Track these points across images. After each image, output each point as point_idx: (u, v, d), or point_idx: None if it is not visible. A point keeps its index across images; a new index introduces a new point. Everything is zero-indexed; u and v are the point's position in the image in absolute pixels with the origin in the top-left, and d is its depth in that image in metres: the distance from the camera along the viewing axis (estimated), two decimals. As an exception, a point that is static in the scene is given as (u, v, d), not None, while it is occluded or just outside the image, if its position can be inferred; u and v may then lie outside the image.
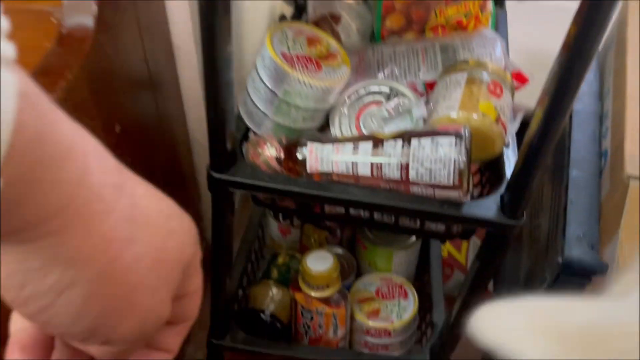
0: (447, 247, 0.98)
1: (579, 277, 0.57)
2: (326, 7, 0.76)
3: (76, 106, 0.48)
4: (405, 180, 0.55)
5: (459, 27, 0.74)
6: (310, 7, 0.76)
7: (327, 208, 0.62)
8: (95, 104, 0.52)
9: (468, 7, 0.73)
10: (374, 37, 0.77)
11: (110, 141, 0.57)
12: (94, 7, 0.51)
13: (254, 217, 0.95)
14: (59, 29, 0.51)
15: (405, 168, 0.55)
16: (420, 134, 0.55)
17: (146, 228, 0.23)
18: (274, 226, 0.94)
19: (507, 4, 0.83)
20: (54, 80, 0.46)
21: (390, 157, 0.55)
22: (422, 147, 0.54)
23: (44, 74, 0.46)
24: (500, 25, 0.79)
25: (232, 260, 0.70)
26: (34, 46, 0.49)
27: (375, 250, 0.84)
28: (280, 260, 0.89)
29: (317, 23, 0.76)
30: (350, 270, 0.85)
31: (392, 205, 0.56)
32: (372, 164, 0.56)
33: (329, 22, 0.76)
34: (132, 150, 0.64)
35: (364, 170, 0.56)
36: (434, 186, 0.55)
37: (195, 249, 0.26)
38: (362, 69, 0.71)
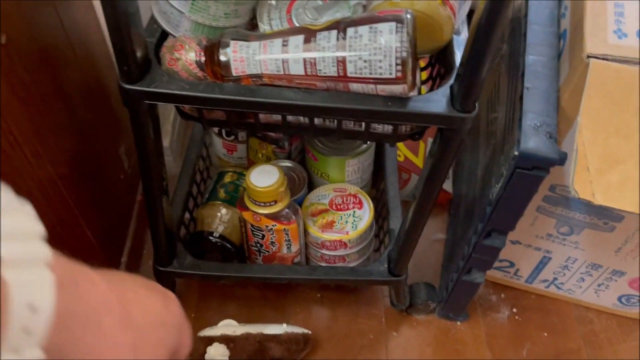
0: (403, 151, 0.93)
1: (536, 169, 0.53)
2: None
3: None
4: (343, 76, 0.49)
5: None
6: None
7: (263, 116, 0.56)
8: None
9: None
10: None
11: (-5, 54, 0.48)
12: None
13: (196, 135, 0.88)
14: None
15: (341, 62, 0.48)
16: (356, 22, 0.48)
17: (143, 349, 0.30)
18: (218, 143, 0.87)
19: None
20: None
21: (325, 51, 0.48)
22: (360, 37, 0.47)
23: None
24: None
25: (164, 181, 0.63)
26: None
27: (326, 160, 0.79)
28: (227, 179, 0.84)
29: None
30: (302, 183, 0.80)
31: (330, 107, 0.50)
32: (304, 60, 0.49)
33: None
34: (31, 66, 0.55)
35: (296, 69, 0.50)
36: (375, 81, 0.48)
37: (181, 328, 0.35)
38: (293, -46, 0.62)
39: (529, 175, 0.54)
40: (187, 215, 0.82)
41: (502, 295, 0.86)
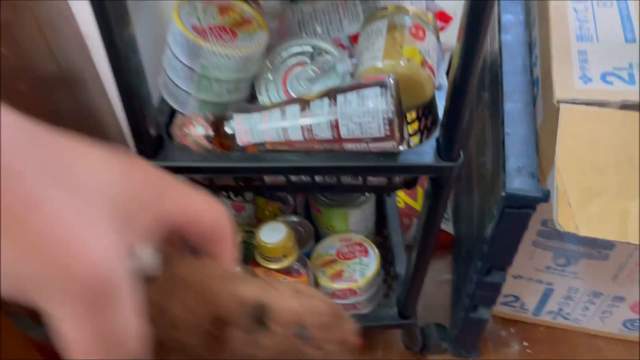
0: (403, 198, 0.98)
1: (523, 208, 0.58)
2: (239, -28, 0.73)
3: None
4: (337, 138, 0.54)
5: (378, -27, 0.72)
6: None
7: (268, 178, 0.61)
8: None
9: (383, -49, 0.71)
10: (294, -4, 0.75)
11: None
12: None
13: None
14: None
15: (335, 126, 0.53)
16: (345, 89, 0.54)
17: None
18: (227, 205, 0.92)
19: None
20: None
21: (319, 117, 0.54)
22: (349, 103, 0.53)
23: None
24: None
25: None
26: None
27: (330, 212, 0.83)
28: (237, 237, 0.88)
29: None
30: (309, 236, 0.85)
31: (329, 166, 0.55)
32: (302, 127, 0.54)
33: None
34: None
35: (296, 135, 0.55)
36: (367, 140, 0.54)
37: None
38: (284, 31, 0.68)
39: (518, 213, 0.58)
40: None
41: (512, 330, 0.88)
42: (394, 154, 0.55)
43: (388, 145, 0.54)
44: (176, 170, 0.56)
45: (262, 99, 0.62)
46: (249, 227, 0.90)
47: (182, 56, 0.57)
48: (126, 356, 0.21)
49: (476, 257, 0.71)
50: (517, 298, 0.85)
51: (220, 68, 0.57)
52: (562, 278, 0.78)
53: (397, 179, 0.60)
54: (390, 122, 0.52)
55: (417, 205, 0.98)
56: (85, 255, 0.20)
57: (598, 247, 0.70)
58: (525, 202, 0.57)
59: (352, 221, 0.84)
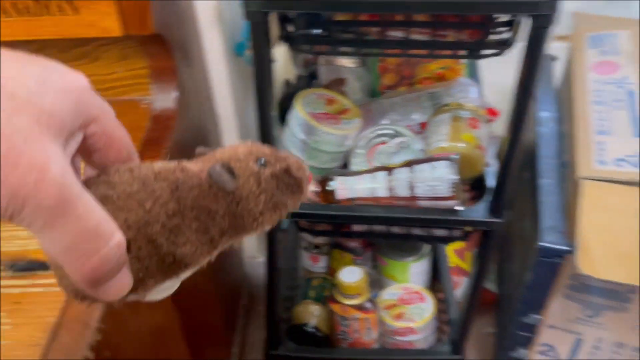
0: (454, 260, 1.14)
1: (553, 257, 0.74)
2: (334, 73, 0.96)
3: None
4: (413, 196, 0.73)
5: (440, 78, 0.94)
6: (322, 73, 0.96)
7: (356, 227, 0.80)
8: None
9: (446, 61, 0.93)
10: (373, 92, 0.97)
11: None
12: (175, 94, 0.70)
13: (288, 250, 1.13)
14: (150, 112, 0.70)
15: (412, 187, 0.73)
16: (420, 161, 0.74)
17: None
18: (305, 257, 1.11)
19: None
20: (158, 149, 0.65)
21: (401, 180, 0.73)
22: (423, 171, 0.73)
23: (152, 144, 0.65)
24: (477, 72, 0.99)
25: (278, 283, 0.87)
26: (136, 126, 0.69)
27: (393, 264, 1.01)
28: (314, 282, 1.06)
29: (328, 86, 0.96)
30: (374, 283, 1.02)
31: (407, 217, 0.74)
32: (387, 187, 0.74)
33: (337, 84, 0.96)
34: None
35: (382, 193, 0.75)
36: (436, 199, 0.73)
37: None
38: (369, 118, 0.90)
39: (550, 262, 0.75)
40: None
41: (548, 378, 1.01)
42: (455, 211, 0.74)
43: (451, 203, 0.73)
44: (292, 215, 0.76)
45: (353, 167, 0.82)
46: (324, 275, 1.09)
47: (299, 133, 0.79)
48: (103, 254, 0.23)
49: (517, 302, 0.87)
50: (551, 347, 0.99)
51: (327, 143, 0.79)
52: (590, 329, 0.92)
53: (457, 232, 0.79)
54: (455, 186, 0.71)
55: (465, 264, 1.14)
56: (44, 173, 0.21)
57: (618, 300, 0.85)
58: (555, 253, 0.74)
59: (412, 272, 1.01)
